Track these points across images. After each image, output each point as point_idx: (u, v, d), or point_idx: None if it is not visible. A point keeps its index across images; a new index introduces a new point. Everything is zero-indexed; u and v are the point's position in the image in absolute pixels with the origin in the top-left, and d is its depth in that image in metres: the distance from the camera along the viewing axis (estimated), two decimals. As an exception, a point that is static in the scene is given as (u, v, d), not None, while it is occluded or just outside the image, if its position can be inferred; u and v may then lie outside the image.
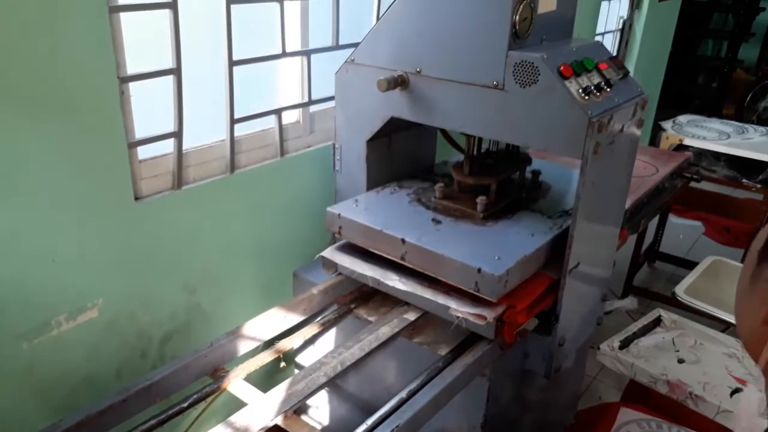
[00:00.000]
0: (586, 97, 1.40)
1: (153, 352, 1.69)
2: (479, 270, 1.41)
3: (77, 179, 1.38)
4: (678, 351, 1.95)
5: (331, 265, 1.73)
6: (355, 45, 1.72)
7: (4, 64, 1.20)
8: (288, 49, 1.81)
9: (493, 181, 1.71)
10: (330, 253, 1.71)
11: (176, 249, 1.66)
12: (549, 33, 1.56)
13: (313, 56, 1.91)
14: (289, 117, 1.94)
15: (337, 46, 1.96)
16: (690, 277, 2.36)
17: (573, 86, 1.40)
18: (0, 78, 1.20)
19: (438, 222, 1.65)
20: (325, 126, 2.05)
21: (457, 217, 1.67)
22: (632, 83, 1.62)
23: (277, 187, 1.90)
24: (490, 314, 1.43)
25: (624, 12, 4.09)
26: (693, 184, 2.75)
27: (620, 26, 4.11)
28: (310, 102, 1.95)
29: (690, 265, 3.53)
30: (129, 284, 1.57)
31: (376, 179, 1.85)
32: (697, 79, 7.06)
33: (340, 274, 1.74)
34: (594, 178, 1.47)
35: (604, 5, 3.67)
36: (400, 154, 1.91)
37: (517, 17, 1.42)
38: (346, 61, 1.73)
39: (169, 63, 1.51)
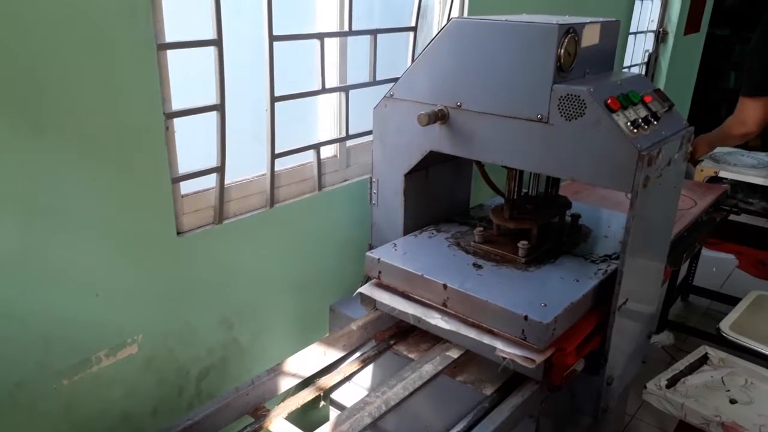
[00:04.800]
0: (635, 131, 1.38)
1: (190, 388, 1.66)
2: (526, 317, 1.37)
3: (123, 214, 1.39)
4: (729, 391, 1.87)
5: (369, 302, 1.71)
6: (392, 80, 1.73)
7: (59, 101, 1.21)
8: (327, 85, 1.82)
9: (534, 225, 1.69)
10: (368, 289, 1.68)
11: (215, 284, 1.65)
12: (592, 66, 1.55)
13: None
14: (326, 151, 1.95)
15: (374, 82, 1.97)
16: (734, 313, 2.28)
17: (621, 119, 1.39)
18: (54, 115, 1.21)
19: (479, 267, 1.62)
20: (360, 160, 2.05)
21: (498, 262, 1.64)
22: (677, 116, 1.60)
23: (315, 220, 1.89)
24: (539, 357, 1.38)
25: (650, 45, 4.10)
26: (732, 216, 2.70)
27: (646, 59, 4.12)
28: (348, 137, 1.96)
29: (725, 299, 3.44)
30: (168, 319, 1.56)
31: (414, 212, 1.84)
32: (721, 111, 7.01)
33: (377, 309, 1.71)
34: (643, 212, 1.44)
35: (630, 38, 3.68)
36: (437, 186, 1.90)
37: (562, 51, 1.42)
38: (384, 96, 1.74)
39: (212, 99, 1.53)
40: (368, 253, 1.67)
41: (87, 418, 1.45)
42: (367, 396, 1.42)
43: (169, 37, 1.40)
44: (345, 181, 2.00)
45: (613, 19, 1.63)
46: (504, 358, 1.44)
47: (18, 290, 1.25)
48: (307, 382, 1.56)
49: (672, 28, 4.15)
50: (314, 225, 1.89)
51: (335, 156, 1.97)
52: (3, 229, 1.20)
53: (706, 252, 3.71)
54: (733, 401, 1.83)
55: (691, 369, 1.97)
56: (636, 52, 3.97)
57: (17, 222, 1.22)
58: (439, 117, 1.60)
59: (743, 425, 1.69)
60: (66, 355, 1.36)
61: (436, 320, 1.55)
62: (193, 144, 1.55)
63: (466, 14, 2.24)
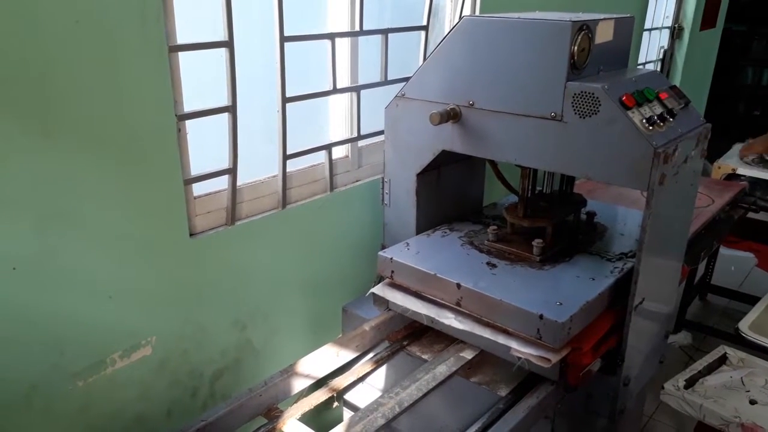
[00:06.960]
0: (650, 128, 1.36)
1: (204, 390, 1.67)
2: (541, 316, 1.36)
3: (135, 216, 1.39)
4: (748, 391, 1.84)
5: (382, 302, 1.70)
6: (404, 80, 1.72)
7: (71, 104, 1.22)
8: (338, 85, 1.82)
9: (549, 223, 1.67)
10: (381, 289, 1.67)
11: (228, 285, 1.65)
12: (606, 63, 1.53)
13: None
14: (338, 152, 1.94)
15: (386, 81, 1.96)
16: (754, 312, 2.24)
17: (636, 116, 1.37)
18: (66, 118, 1.22)
19: (493, 266, 1.60)
20: (371, 160, 2.04)
21: (512, 261, 1.63)
22: (693, 112, 1.57)
23: (327, 221, 1.89)
24: (555, 356, 1.37)
25: (665, 42, 4.05)
26: (750, 214, 2.65)
27: (661, 56, 4.07)
28: (359, 137, 1.95)
29: (744, 297, 3.39)
30: (182, 321, 1.56)
31: (426, 212, 1.83)
32: (737, 108, 6.92)
33: (390, 309, 1.71)
34: (659, 210, 1.42)
35: (644, 35, 3.64)
36: (450, 186, 1.89)
37: (576, 48, 1.40)
38: (396, 96, 1.73)
39: (224, 100, 1.53)
40: (381, 253, 1.67)
41: (102, 420, 1.45)
42: (380, 397, 1.42)
43: (181, 39, 1.40)
44: (357, 181, 1.99)
45: (628, 15, 1.61)
46: (519, 358, 1.42)
47: (32, 293, 1.26)
48: (320, 383, 1.55)
49: (687, 24, 4.09)
50: (326, 226, 1.89)
51: (347, 156, 1.97)
52: (17, 233, 1.21)
53: (724, 250, 3.66)
54: (752, 402, 1.79)
55: (710, 369, 1.94)
56: (651, 48, 3.93)
57: (31, 226, 1.22)
58: (452, 116, 1.59)
59: (763, 426, 1.66)
60: (80, 357, 1.37)
61: (450, 320, 1.53)
62: (205, 146, 1.55)
63: (478, 12, 2.22)
